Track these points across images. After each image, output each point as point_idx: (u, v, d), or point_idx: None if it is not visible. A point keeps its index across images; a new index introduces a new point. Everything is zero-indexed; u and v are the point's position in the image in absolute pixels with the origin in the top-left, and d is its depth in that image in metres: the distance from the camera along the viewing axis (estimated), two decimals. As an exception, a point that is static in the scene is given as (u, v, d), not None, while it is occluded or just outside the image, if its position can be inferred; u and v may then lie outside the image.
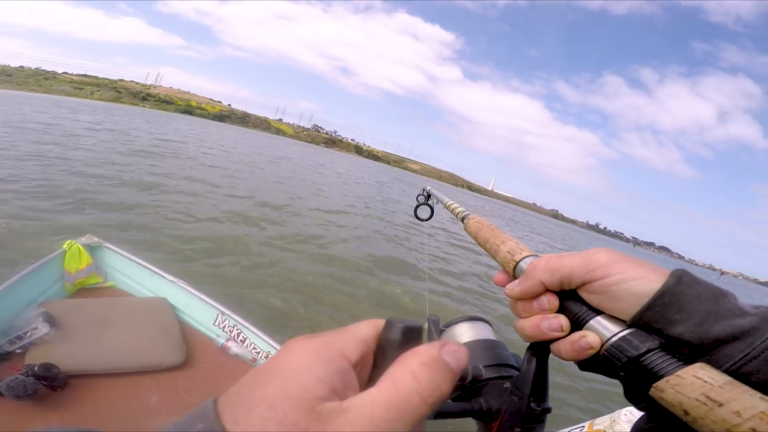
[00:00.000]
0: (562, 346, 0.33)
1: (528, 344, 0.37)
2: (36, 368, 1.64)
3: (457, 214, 0.68)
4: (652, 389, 0.27)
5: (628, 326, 0.30)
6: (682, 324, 0.28)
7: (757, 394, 0.23)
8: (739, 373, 0.25)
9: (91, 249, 2.57)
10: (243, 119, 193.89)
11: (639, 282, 0.30)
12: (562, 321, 0.33)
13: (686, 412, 0.24)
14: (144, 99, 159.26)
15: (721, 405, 0.23)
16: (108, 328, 2.05)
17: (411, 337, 0.22)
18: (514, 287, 0.37)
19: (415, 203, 1.12)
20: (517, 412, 0.36)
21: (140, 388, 1.83)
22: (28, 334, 1.82)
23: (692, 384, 0.25)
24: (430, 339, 0.51)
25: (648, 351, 0.28)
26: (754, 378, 0.25)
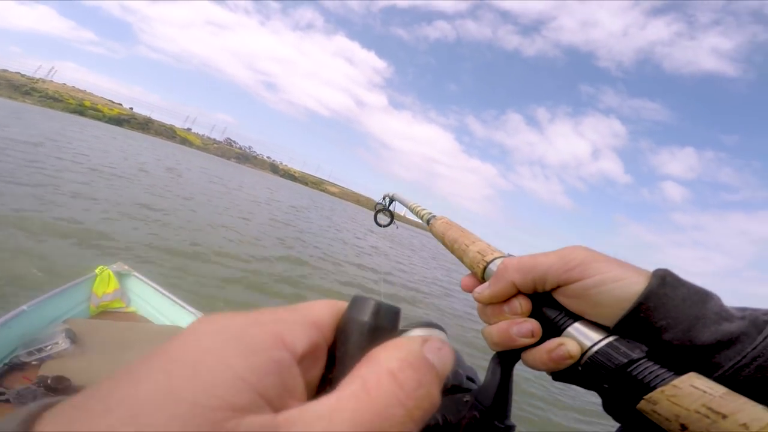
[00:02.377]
0: (537, 355, 0.29)
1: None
2: (49, 380, 1.62)
3: (423, 216, 0.65)
4: (642, 401, 0.24)
5: (611, 333, 0.27)
6: (669, 330, 0.26)
7: (759, 405, 0.21)
8: (730, 382, 0.23)
9: (120, 276, 2.63)
10: (144, 125, 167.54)
11: (620, 284, 0.27)
12: (533, 326, 0.30)
13: (684, 426, 0.22)
14: (27, 93, 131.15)
15: (725, 417, 0.21)
16: (125, 350, 2.03)
17: (385, 322, 0.16)
18: (484, 290, 0.34)
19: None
20: (478, 430, 0.32)
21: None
22: (48, 347, 1.83)
23: (691, 394, 0.22)
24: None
25: (637, 360, 0.25)
26: (746, 388, 0.23)
